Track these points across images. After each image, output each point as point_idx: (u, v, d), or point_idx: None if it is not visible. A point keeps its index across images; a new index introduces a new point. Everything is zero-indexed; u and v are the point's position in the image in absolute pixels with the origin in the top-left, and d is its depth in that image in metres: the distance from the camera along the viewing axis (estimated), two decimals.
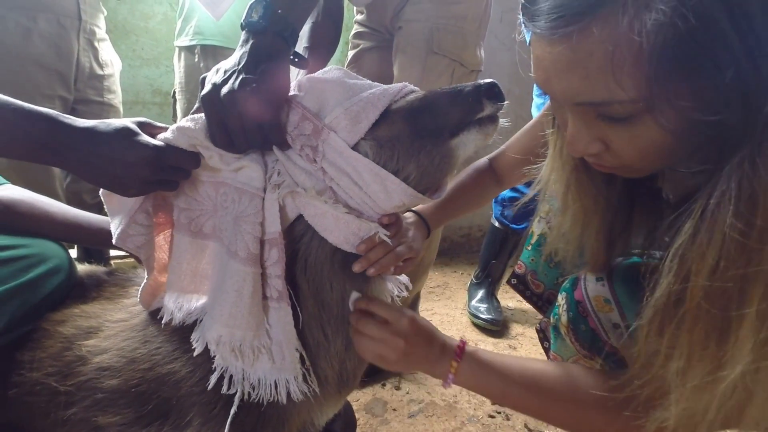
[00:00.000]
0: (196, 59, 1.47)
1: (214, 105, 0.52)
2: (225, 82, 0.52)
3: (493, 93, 0.54)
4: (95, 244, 0.78)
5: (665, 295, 0.43)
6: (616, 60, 0.38)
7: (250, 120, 0.52)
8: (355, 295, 0.59)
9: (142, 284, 0.64)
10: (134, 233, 0.59)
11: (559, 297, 0.69)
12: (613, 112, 0.42)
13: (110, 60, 1.41)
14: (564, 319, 0.67)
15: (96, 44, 1.33)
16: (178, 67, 1.53)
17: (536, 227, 0.82)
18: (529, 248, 0.82)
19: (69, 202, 1.42)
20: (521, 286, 0.83)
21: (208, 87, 0.53)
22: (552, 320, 0.71)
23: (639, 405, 0.46)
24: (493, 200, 1.48)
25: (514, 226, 1.44)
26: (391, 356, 0.56)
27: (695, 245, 0.40)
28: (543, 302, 0.82)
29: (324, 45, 0.90)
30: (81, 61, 1.29)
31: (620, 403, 0.48)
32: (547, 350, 0.74)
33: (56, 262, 0.73)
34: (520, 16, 0.45)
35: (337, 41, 0.94)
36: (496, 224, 1.48)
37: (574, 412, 0.55)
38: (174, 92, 1.58)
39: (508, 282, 0.86)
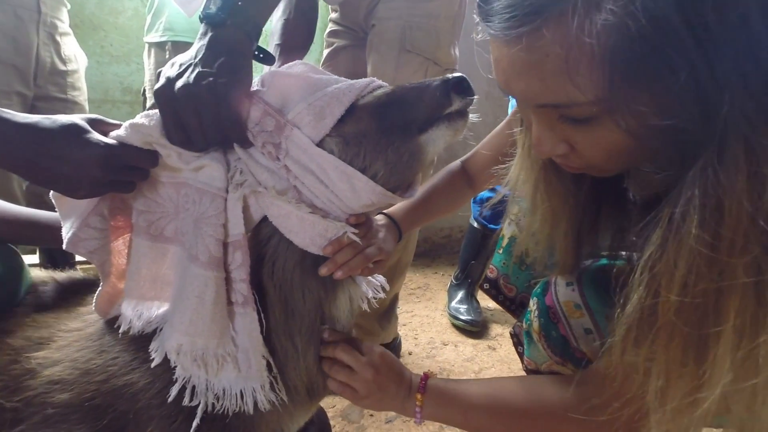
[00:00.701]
0: (167, 56, 1.42)
1: (168, 100, 0.49)
2: (180, 75, 0.49)
3: (462, 87, 0.53)
4: (52, 243, 0.73)
5: (637, 310, 0.41)
6: (570, 62, 0.37)
7: (207, 116, 0.49)
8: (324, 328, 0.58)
9: (98, 291, 0.60)
10: (86, 237, 0.55)
11: (531, 302, 0.68)
12: (573, 113, 0.41)
13: (74, 55, 1.35)
14: (536, 325, 0.66)
15: (58, 38, 1.27)
16: (148, 63, 1.48)
17: (506, 230, 0.81)
18: (500, 252, 0.82)
19: (30, 205, 1.35)
20: (494, 291, 0.83)
21: (162, 81, 0.50)
22: (524, 325, 0.70)
23: (619, 428, 0.45)
24: (472, 201, 1.48)
25: (492, 226, 1.44)
26: (362, 389, 0.57)
27: (664, 257, 0.39)
28: (516, 306, 0.82)
29: (297, 43, 0.88)
30: (41, 56, 1.23)
31: (598, 423, 0.46)
32: (521, 355, 0.74)
33: (6, 267, 0.68)
34: (476, 16, 0.43)
35: (310, 40, 0.92)
36: (475, 225, 1.48)
37: (547, 429, 0.55)
38: (144, 90, 1.52)
39: (481, 287, 0.86)
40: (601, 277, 0.61)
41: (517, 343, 0.74)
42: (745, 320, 0.36)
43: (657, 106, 0.37)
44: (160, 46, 1.43)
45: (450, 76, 0.54)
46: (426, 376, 0.61)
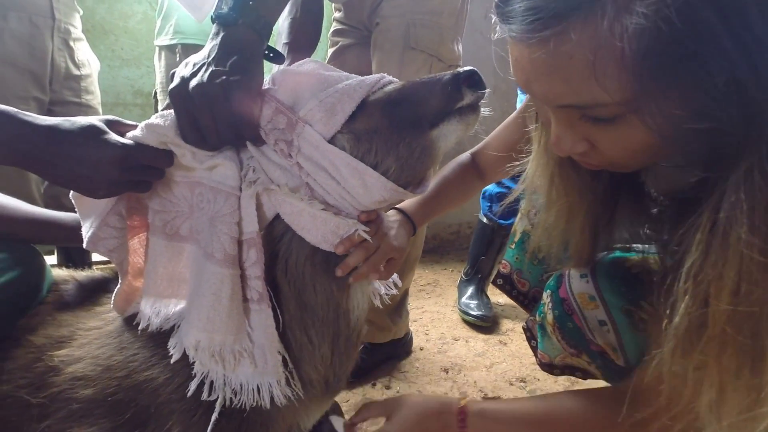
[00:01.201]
0: (178, 58, 1.44)
1: (182, 99, 0.50)
2: (194, 75, 0.50)
3: (473, 81, 0.53)
4: (70, 242, 0.75)
5: (685, 321, 0.39)
6: (598, 64, 0.36)
7: (220, 114, 0.50)
8: (339, 422, 0.57)
9: (116, 289, 0.62)
10: (106, 236, 0.57)
11: (544, 295, 0.68)
12: (597, 113, 0.40)
13: (87, 60, 1.37)
14: (549, 317, 0.66)
15: (71, 44, 1.30)
16: (159, 66, 1.50)
17: (519, 225, 0.81)
18: (513, 246, 0.82)
19: (48, 207, 1.38)
20: (507, 286, 0.83)
21: (176, 81, 0.51)
22: (538, 318, 0.70)
23: None
24: (481, 196, 1.47)
25: (502, 221, 1.43)
26: None
27: (709, 264, 0.37)
28: (529, 300, 0.81)
29: (304, 42, 0.89)
30: (56, 61, 1.26)
31: None
32: (534, 349, 0.74)
33: (27, 268, 0.70)
34: (494, 17, 0.42)
35: (317, 38, 0.92)
36: (485, 220, 1.48)
37: None
38: (155, 93, 1.54)
39: (494, 282, 0.85)
40: (615, 269, 0.61)
41: (530, 337, 0.74)
42: None
43: (693, 108, 0.36)
44: (170, 49, 1.45)
45: (461, 69, 0.54)
46: (464, 413, 0.58)
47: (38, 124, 0.49)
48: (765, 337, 0.35)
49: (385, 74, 0.58)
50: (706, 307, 0.37)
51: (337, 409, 0.87)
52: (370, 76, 0.56)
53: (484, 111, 0.56)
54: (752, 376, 0.36)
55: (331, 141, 0.53)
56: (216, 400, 0.55)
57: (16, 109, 0.49)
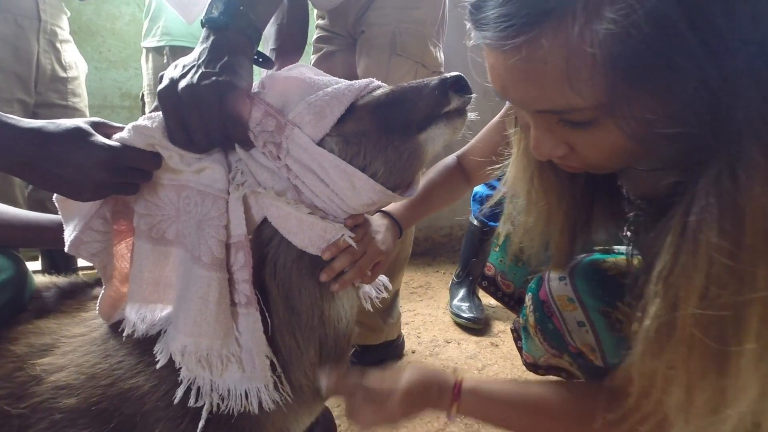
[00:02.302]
0: (165, 60, 1.42)
1: (171, 100, 0.49)
2: (183, 76, 0.49)
3: (460, 86, 0.54)
4: (55, 245, 0.73)
5: (654, 324, 0.40)
6: (571, 70, 0.36)
7: (209, 116, 0.49)
8: (323, 379, 0.56)
9: (101, 295, 0.60)
10: (89, 240, 0.55)
11: (526, 298, 0.69)
12: (573, 118, 0.40)
13: (74, 62, 1.35)
14: (531, 319, 0.67)
15: (58, 45, 1.28)
16: (146, 68, 1.48)
17: (502, 228, 0.82)
18: (497, 249, 0.83)
19: (32, 210, 1.35)
20: (492, 288, 0.84)
21: (165, 82, 0.50)
22: (521, 321, 0.71)
23: None
24: (472, 199, 1.48)
25: (492, 223, 1.44)
26: (394, 418, 0.55)
27: (679, 267, 0.37)
28: (515, 302, 0.82)
29: (291, 47, 0.89)
30: (42, 63, 1.23)
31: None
32: (520, 350, 0.75)
33: (9, 274, 0.68)
34: (467, 23, 0.43)
35: (304, 43, 0.93)
36: (475, 222, 1.48)
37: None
38: (142, 95, 1.53)
39: (479, 284, 0.86)
40: (592, 271, 0.62)
41: (517, 338, 0.76)
42: None
43: (665, 112, 0.36)
44: (157, 50, 1.44)
45: (447, 75, 0.54)
46: (459, 385, 0.57)
47: (22, 127, 0.48)
48: (731, 341, 0.35)
49: (374, 79, 0.58)
50: (676, 310, 0.38)
51: (327, 415, 0.86)
52: (358, 80, 0.57)
53: (471, 115, 0.57)
54: (718, 378, 0.37)
55: (320, 143, 0.53)
56: (203, 406, 0.54)
57: None
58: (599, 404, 0.49)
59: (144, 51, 1.49)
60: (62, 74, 1.29)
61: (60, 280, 0.76)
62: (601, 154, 0.44)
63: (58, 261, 1.28)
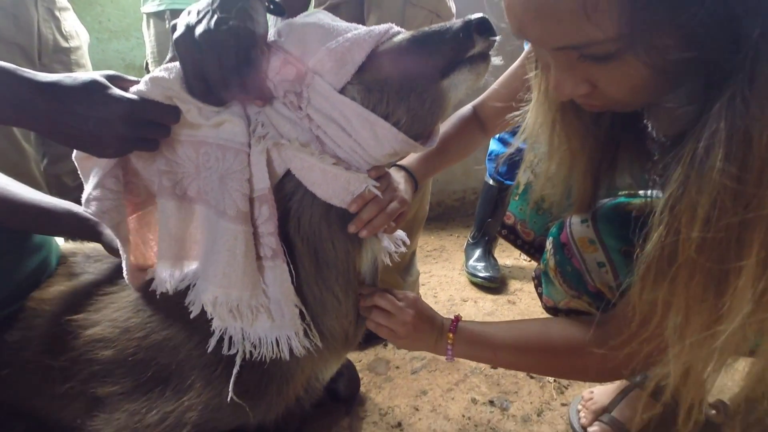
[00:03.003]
0: (167, 25, 1.38)
1: (188, 47, 0.48)
2: (199, 22, 0.48)
3: (484, 27, 0.51)
4: (64, 233, 0.73)
5: (657, 249, 0.41)
6: (588, 1, 0.35)
7: (228, 62, 0.48)
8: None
9: (124, 261, 0.61)
10: (101, 197, 0.55)
11: (547, 242, 0.69)
12: (593, 52, 0.39)
13: (75, 31, 1.32)
14: (551, 262, 0.67)
15: (57, 14, 1.25)
16: (148, 35, 1.44)
17: (522, 176, 0.80)
18: (517, 198, 0.81)
19: (49, 186, 1.36)
20: (512, 236, 0.83)
21: (180, 29, 0.48)
22: (542, 266, 0.71)
23: (638, 363, 0.46)
24: (487, 158, 1.45)
25: (508, 182, 1.42)
26: (400, 330, 0.62)
27: (686, 194, 0.38)
28: (534, 250, 0.82)
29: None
30: (43, 33, 1.21)
31: (616, 360, 0.48)
32: (540, 295, 0.75)
33: (37, 239, 0.69)
34: None
35: None
36: (491, 182, 1.46)
37: (569, 363, 0.58)
38: (147, 64, 1.50)
39: (498, 233, 0.86)
40: (615, 213, 0.61)
41: (538, 284, 0.76)
42: None
43: (681, 37, 0.35)
44: (158, 15, 1.40)
45: (471, 16, 0.52)
46: (457, 319, 0.64)
47: (39, 81, 0.47)
48: (730, 262, 0.37)
49: (393, 25, 0.56)
50: (678, 235, 0.39)
51: (351, 368, 0.89)
52: (378, 26, 0.54)
53: (494, 60, 0.55)
54: (715, 299, 0.38)
55: (341, 92, 0.51)
56: (236, 354, 0.55)
57: (14, 65, 0.47)
58: (591, 335, 0.52)
59: (144, 17, 1.44)
60: (64, 44, 1.27)
61: (86, 245, 0.78)
62: (623, 89, 0.43)
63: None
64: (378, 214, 0.57)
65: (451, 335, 0.62)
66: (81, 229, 0.70)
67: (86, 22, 1.70)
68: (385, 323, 0.61)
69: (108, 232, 0.83)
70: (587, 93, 0.45)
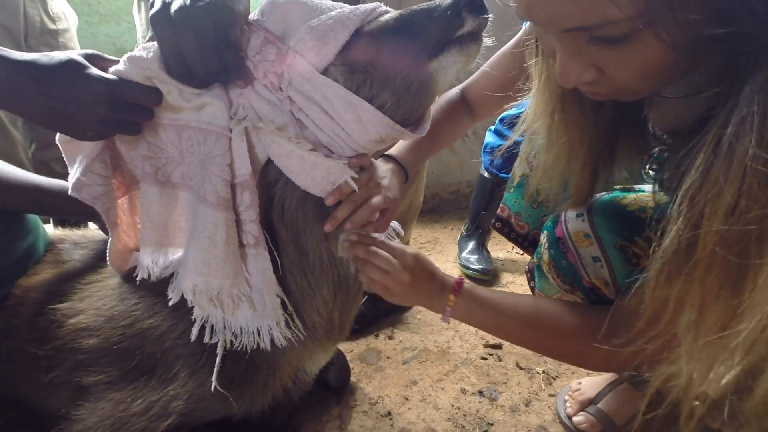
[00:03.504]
0: None
1: (163, 24, 0.46)
2: None
3: (475, 5, 0.49)
4: (55, 211, 0.72)
5: (674, 244, 0.39)
6: None
7: (205, 40, 0.46)
8: (344, 236, 0.57)
9: (109, 246, 0.60)
10: (90, 183, 0.54)
11: (542, 236, 0.68)
12: (607, 33, 0.37)
13: (63, 13, 1.29)
14: (546, 256, 0.66)
15: None
16: (139, 18, 1.41)
17: (518, 169, 0.79)
18: (512, 190, 0.80)
19: (38, 173, 1.34)
20: (506, 229, 0.82)
21: (157, 5, 0.47)
22: (535, 260, 0.71)
23: (644, 360, 0.44)
24: (482, 150, 1.44)
25: (504, 175, 1.41)
26: (396, 289, 0.58)
27: (709, 183, 0.36)
28: (528, 243, 0.81)
29: None
30: (29, 14, 1.18)
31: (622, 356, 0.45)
32: (533, 289, 0.75)
33: (24, 225, 0.68)
34: None
35: None
36: (486, 174, 1.45)
37: (574, 349, 0.56)
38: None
39: (492, 225, 0.84)
40: (611, 207, 0.61)
41: (530, 278, 0.75)
42: None
43: (712, 12, 0.33)
44: None
45: None
46: (461, 280, 0.61)
47: (14, 59, 0.45)
48: (753, 256, 0.35)
49: (381, 3, 0.54)
50: (698, 228, 0.37)
51: (341, 358, 0.89)
52: (364, 4, 0.52)
53: (486, 41, 0.53)
54: (732, 296, 0.36)
55: (324, 73, 0.50)
56: (218, 343, 0.55)
57: None
58: (599, 328, 0.51)
59: (135, 1, 1.41)
60: (51, 26, 1.24)
61: (74, 233, 0.77)
62: (633, 75, 0.41)
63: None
64: (357, 209, 0.56)
65: (452, 297, 0.59)
66: (77, 205, 0.69)
67: (75, 4, 1.66)
68: (380, 280, 0.57)
69: None
70: (593, 80, 0.43)
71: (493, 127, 1.45)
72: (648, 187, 0.64)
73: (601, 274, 0.60)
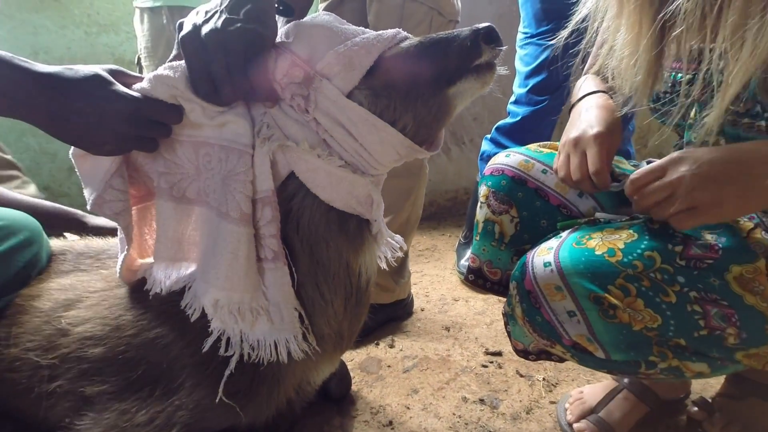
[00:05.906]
0: (164, 20, 1.36)
1: (195, 47, 0.47)
2: (206, 22, 0.48)
3: (491, 37, 0.52)
4: (53, 229, 0.72)
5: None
6: None
7: (235, 63, 0.47)
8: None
9: (120, 259, 0.60)
10: (112, 198, 0.54)
11: (510, 286, 0.65)
12: None
13: None
14: (518, 311, 0.63)
15: None
16: (142, 30, 1.42)
17: (480, 214, 0.77)
18: (478, 239, 0.78)
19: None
20: (480, 281, 0.78)
21: (187, 27, 0.48)
22: (508, 309, 0.67)
23: None
24: (479, 158, 1.46)
25: None
26: (706, 198, 0.49)
27: None
28: (503, 287, 0.77)
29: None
30: None
31: None
32: (509, 334, 0.71)
33: (27, 234, 0.68)
34: None
35: None
36: None
37: None
38: (138, 59, 1.47)
39: (465, 280, 0.81)
40: (579, 252, 0.58)
41: (506, 322, 0.70)
42: None
43: None
44: (153, 11, 1.37)
45: (479, 26, 0.53)
46: None
47: (38, 71, 0.45)
48: None
49: (401, 30, 0.56)
50: None
51: (342, 368, 0.89)
52: (386, 30, 0.54)
53: (499, 69, 0.55)
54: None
55: (349, 96, 0.51)
56: (227, 354, 0.55)
57: (10, 54, 0.45)
58: None
59: (137, 12, 1.42)
60: None
61: (77, 243, 0.77)
62: None
63: None
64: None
65: None
66: (68, 221, 0.69)
67: (75, 15, 1.67)
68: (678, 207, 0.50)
69: (91, 218, 0.83)
70: None
71: (489, 135, 1.48)
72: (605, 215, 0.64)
73: (580, 331, 0.57)
